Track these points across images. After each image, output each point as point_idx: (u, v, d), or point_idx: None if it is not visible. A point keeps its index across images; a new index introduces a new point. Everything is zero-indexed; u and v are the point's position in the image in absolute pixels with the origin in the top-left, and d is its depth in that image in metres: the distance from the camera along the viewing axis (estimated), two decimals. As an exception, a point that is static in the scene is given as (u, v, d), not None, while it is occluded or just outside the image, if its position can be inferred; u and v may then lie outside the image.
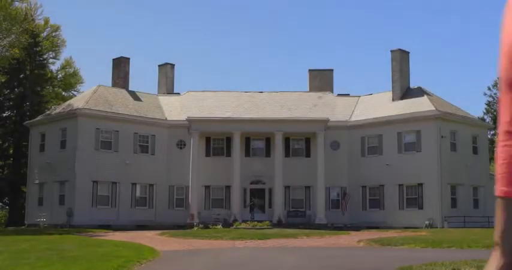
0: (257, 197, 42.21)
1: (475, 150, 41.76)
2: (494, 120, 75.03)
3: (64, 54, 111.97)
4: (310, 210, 41.16)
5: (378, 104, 43.47)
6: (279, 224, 37.17)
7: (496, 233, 1.49)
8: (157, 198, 41.56)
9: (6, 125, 55.13)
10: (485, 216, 40.08)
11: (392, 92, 43.26)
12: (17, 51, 43.82)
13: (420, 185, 38.92)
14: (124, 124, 40.66)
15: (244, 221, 37.52)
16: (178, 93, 48.06)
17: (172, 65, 49.78)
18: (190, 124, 41.05)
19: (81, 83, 62.19)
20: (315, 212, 40.48)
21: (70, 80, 60.97)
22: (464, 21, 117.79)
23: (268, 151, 42.45)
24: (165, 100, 45.79)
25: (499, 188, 1.51)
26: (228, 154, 41.96)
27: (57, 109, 44.72)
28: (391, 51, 43.77)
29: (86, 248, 16.85)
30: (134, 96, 44.78)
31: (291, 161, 41.42)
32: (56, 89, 60.69)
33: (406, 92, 43.01)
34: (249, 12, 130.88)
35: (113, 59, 46.34)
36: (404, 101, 42.03)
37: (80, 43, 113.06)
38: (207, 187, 41.81)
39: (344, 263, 13.28)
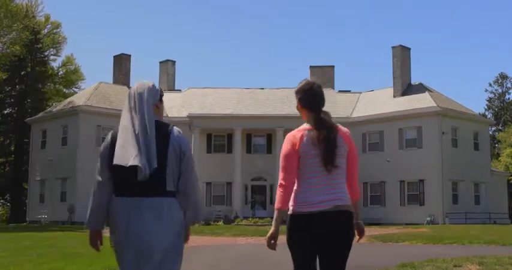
0: (258, 194, 42.25)
1: (476, 147, 41.75)
2: (496, 116, 74.92)
3: (65, 51, 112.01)
4: (312, 207, 41.17)
5: (379, 101, 43.44)
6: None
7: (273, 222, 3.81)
8: (159, 194, 41.56)
9: (8, 122, 55.20)
10: (487, 212, 40.09)
11: (394, 88, 43.24)
12: (18, 48, 43.82)
13: (421, 181, 38.92)
14: (125, 121, 40.61)
15: (246, 218, 37.56)
16: (179, 90, 48.07)
17: (173, 62, 49.80)
18: (191, 121, 41.06)
19: (82, 80, 62.31)
20: (316, 209, 40.49)
21: (71, 77, 61.02)
22: (466, 17, 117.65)
23: (269, 148, 42.46)
24: (166, 97, 45.29)
25: (276, 205, 3.78)
26: (229, 151, 41.98)
27: (58, 106, 44.74)
28: (392, 47, 43.73)
29: (87, 245, 16.87)
30: (135, 93, 44.74)
31: (292, 158, 41.41)
32: (57, 86, 60.72)
33: (407, 88, 42.99)
34: (250, 9, 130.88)
35: (114, 56, 46.36)
36: (405, 97, 42.00)
37: (81, 40, 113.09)
38: (208, 184, 41.82)
39: (345, 260, 13.27)
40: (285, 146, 3.85)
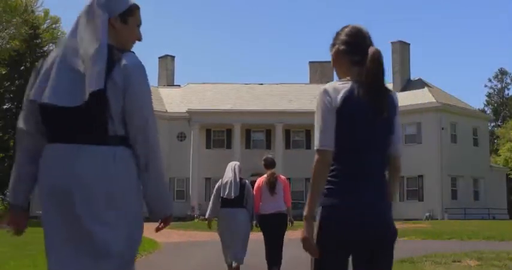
0: (257, 189, 42.24)
1: (475, 142, 41.78)
2: (495, 112, 74.91)
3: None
4: (311, 202, 41.19)
5: (378, 96, 43.42)
6: (280, 216, 37.24)
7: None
8: (158, 190, 41.58)
9: (7, 117, 55.11)
10: (486, 207, 40.17)
11: (393, 83, 43.22)
12: (17, 43, 43.76)
13: (420, 176, 38.96)
14: (124, 116, 40.59)
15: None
16: (179, 86, 48.02)
17: (173, 57, 49.71)
18: (191, 116, 41.06)
19: (82, 75, 62.13)
20: (316, 204, 40.53)
21: (70, 73, 60.88)
22: (465, 12, 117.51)
23: (268, 143, 42.48)
24: (165, 92, 45.78)
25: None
26: (229, 146, 41.99)
27: (58, 101, 44.64)
28: (392, 43, 43.69)
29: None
30: (134, 88, 44.68)
31: (291, 153, 41.46)
32: (56, 81, 60.61)
33: (406, 83, 42.98)
34: (249, 4, 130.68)
35: (113, 51, 46.21)
36: (405, 92, 41.99)
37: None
38: (208, 179, 41.83)
39: (345, 255, 13.29)
40: (256, 186, 8.55)
